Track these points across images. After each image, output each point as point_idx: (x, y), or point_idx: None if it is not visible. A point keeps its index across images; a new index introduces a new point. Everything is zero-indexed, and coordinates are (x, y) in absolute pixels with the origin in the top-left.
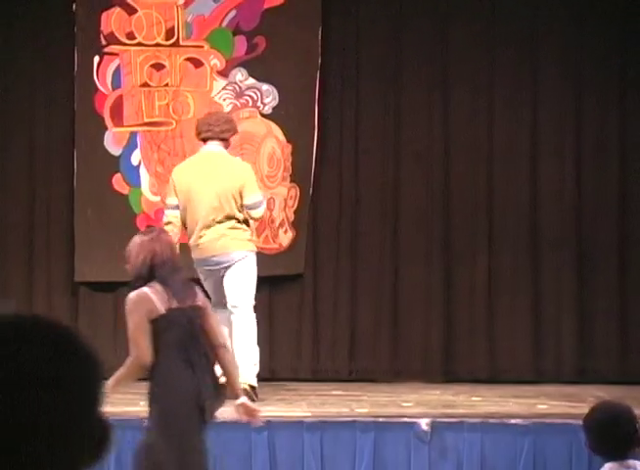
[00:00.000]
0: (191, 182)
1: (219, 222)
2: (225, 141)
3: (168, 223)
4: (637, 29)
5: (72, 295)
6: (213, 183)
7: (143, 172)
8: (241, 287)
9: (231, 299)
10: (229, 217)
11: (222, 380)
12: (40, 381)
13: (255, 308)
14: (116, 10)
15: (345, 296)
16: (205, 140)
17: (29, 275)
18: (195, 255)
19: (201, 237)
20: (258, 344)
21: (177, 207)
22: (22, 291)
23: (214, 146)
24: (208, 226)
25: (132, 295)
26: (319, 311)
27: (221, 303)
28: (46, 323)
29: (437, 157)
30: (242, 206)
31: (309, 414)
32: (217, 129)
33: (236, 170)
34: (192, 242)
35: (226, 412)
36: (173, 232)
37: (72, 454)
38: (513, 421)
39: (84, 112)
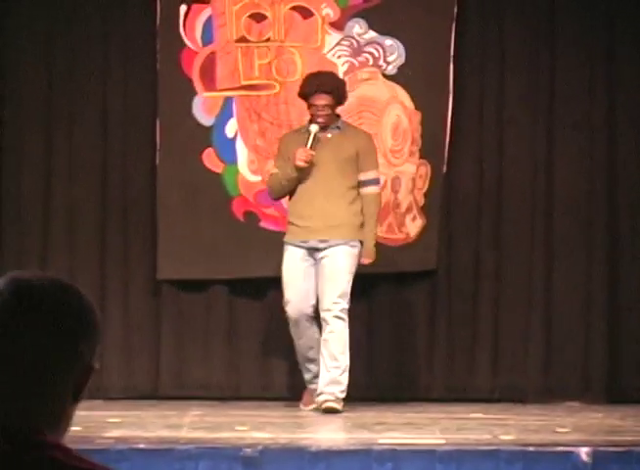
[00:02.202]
0: None
1: None
2: None
3: None
4: None
5: (154, 295)
6: None
7: (240, 146)
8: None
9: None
10: None
11: None
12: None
13: (372, 312)
14: None
15: (487, 296)
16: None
17: (102, 271)
18: None
19: None
20: (375, 354)
21: None
22: (94, 289)
23: None
24: None
25: None
26: (454, 315)
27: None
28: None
29: (599, 128)
30: None
31: (443, 441)
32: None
33: None
34: None
35: (342, 440)
36: None
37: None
38: None
39: (169, 73)
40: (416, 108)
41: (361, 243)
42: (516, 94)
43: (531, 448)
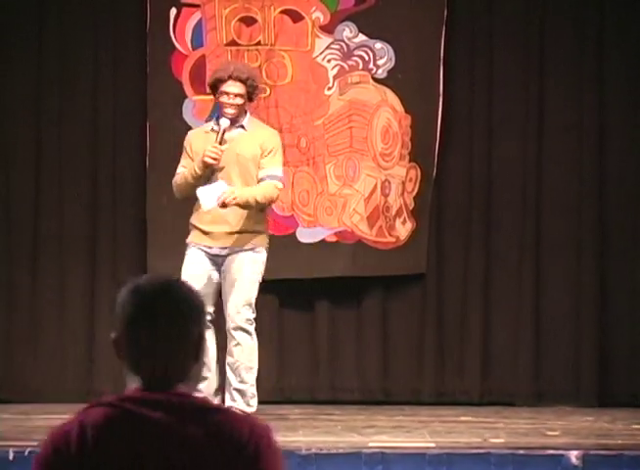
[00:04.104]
0: None
1: None
2: None
3: None
4: None
5: None
6: None
7: None
8: None
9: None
10: None
11: None
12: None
13: (361, 315)
14: None
15: (477, 300)
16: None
17: (92, 272)
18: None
19: None
20: (371, 357)
21: None
22: (84, 289)
23: None
24: None
25: None
26: (444, 320)
27: None
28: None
29: (589, 131)
30: None
31: (433, 445)
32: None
33: None
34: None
35: (331, 443)
36: None
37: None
38: None
39: (159, 76)
40: (406, 111)
41: (265, 249)
42: (505, 97)
43: (521, 452)
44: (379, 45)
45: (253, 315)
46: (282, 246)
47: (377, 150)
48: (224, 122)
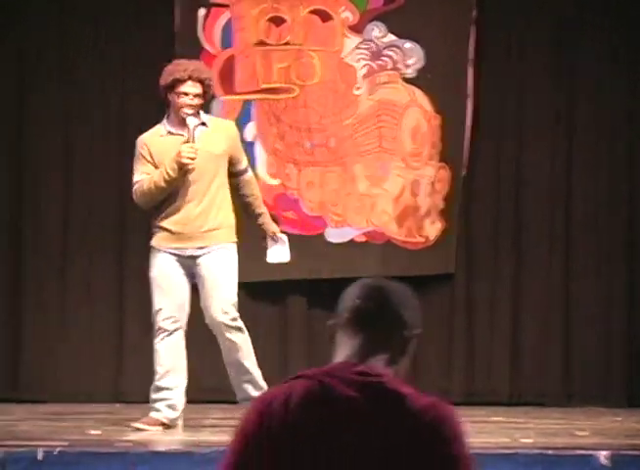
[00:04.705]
0: None
1: None
2: None
3: None
4: None
5: None
6: None
7: (259, 150)
8: None
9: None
10: None
11: None
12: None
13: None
14: None
15: (506, 301)
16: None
17: (120, 274)
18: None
19: None
20: None
21: None
22: (114, 292)
23: None
24: None
25: None
26: (474, 320)
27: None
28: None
29: (620, 134)
30: None
31: None
32: None
33: None
34: None
35: None
36: None
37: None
38: None
39: None
40: (435, 111)
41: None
42: (536, 98)
43: (551, 452)
44: (408, 45)
45: (237, 314)
46: (310, 246)
47: (406, 150)
48: (193, 121)
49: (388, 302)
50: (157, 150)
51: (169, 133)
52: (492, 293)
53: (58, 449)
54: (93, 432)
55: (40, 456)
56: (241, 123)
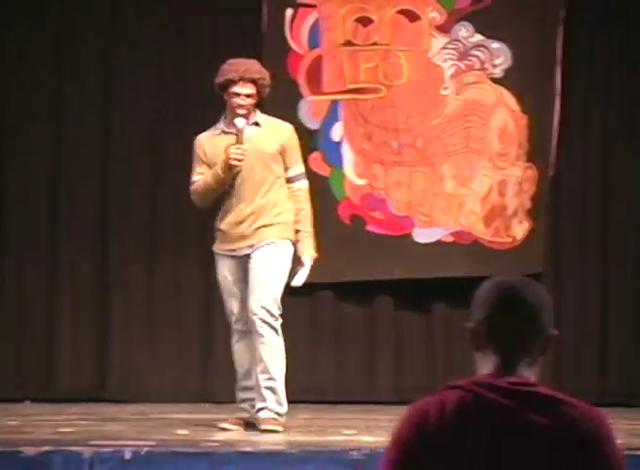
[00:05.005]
0: None
1: None
2: None
3: None
4: None
5: None
6: None
7: (346, 150)
8: None
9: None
10: None
11: None
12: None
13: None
14: None
15: (594, 300)
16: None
17: (208, 276)
18: None
19: None
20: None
21: None
22: (202, 295)
23: None
24: None
25: None
26: (561, 320)
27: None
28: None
29: None
30: None
31: None
32: None
33: None
34: None
35: None
36: None
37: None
38: None
39: (275, 76)
40: (523, 111)
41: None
42: (623, 97)
43: None
44: (495, 45)
45: (278, 312)
46: (398, 246)
47: (493, 150)
48: (240, 122)
49: (526, 307)
50: (211, 149)
51: (223, 132)
52: (580, 293)
53: (145, 449)
54: (180, 432)
55: (128, 456)
56: (328, 124)
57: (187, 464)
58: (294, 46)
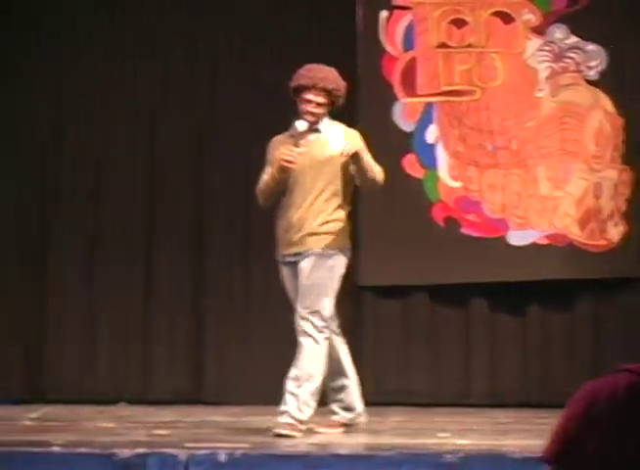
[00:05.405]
0: None
1: None
2: None
3: None
4: None
5: (355, 302)
6: None
7: (440, 152)
8: None
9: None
10: None
11: None
12: None
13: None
14: None
15: None
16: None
17: None
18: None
19: None
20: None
21: None
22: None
23: None
24: None
25: None
26: None
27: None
28: None
29: None
30: None
31: None
32: None
33: None
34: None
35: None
36: None
37: None
38: None
39: (369, 78)
40: (619, 113)
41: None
42: None
43: None
44: (591, 47)
45: (322, 323)
46: (492, 248)
47: (589, 152)
48: (301, 126)
49: None
50: (278, 151)
51: (291, 136)
52: None
53: (240, 452)
54: (274, 433)
55: (222, 458)
56: (422, 126)
57: (281, 467)
58: (388, 48)
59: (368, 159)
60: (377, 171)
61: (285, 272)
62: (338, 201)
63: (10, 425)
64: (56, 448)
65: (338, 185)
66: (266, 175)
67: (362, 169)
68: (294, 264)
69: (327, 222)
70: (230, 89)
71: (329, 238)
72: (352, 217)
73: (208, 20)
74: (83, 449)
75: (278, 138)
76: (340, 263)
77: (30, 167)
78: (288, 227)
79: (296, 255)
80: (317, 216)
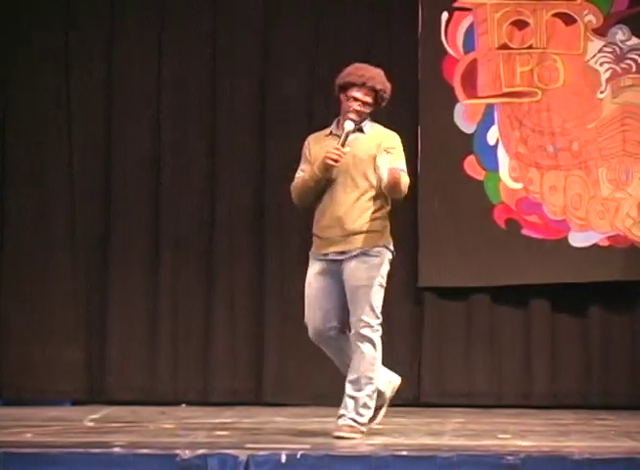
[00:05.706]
0: None
1: None
2: None
3: None
4: None
5: (416, 303)
6: None
7: (501, 154)
8: None
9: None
10: None
11: None
12: None
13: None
14: None
15: None
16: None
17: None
18: None
19: None
20: None
21: None
22: None
23: None
24: None
25: None
26: None
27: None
28: None
29: None
30: None
31: None
32: None
33: None
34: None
35: (603, 449)
36: None
37: None
38: None
39: (430, 80)
40: None
41: (387, 249)
42: None
43: None
44: None
45: (376, 322)
46: (554, 250)
47: None
48: (348, 125)
49: None
50: (316, 149)
51: (331, 134)
52: None
53: (300, 452)
54: (335, 435)
55: (283, 459)
56: (483, 127)
57: (342, 467)
58: (449, 50)
59: (404, 177)
60: (404, 187)
61: (317, 270)
62: (379, 199)
63: (71, 426)
64: (117, 449)
65: (375, 185)
66: (305, 173)
67: (393, 191)
68: (336, 263)
69: (372, 220)
70: (287, 89)
71: (375, 236)
72: (404, 218)
73: (257, 21)
74: (144, 450)
75: (314, 136)
76: (386, 260)
77: (88, 168)
78: (328, 226)
79: (339, 253)
80: (361, 215)
